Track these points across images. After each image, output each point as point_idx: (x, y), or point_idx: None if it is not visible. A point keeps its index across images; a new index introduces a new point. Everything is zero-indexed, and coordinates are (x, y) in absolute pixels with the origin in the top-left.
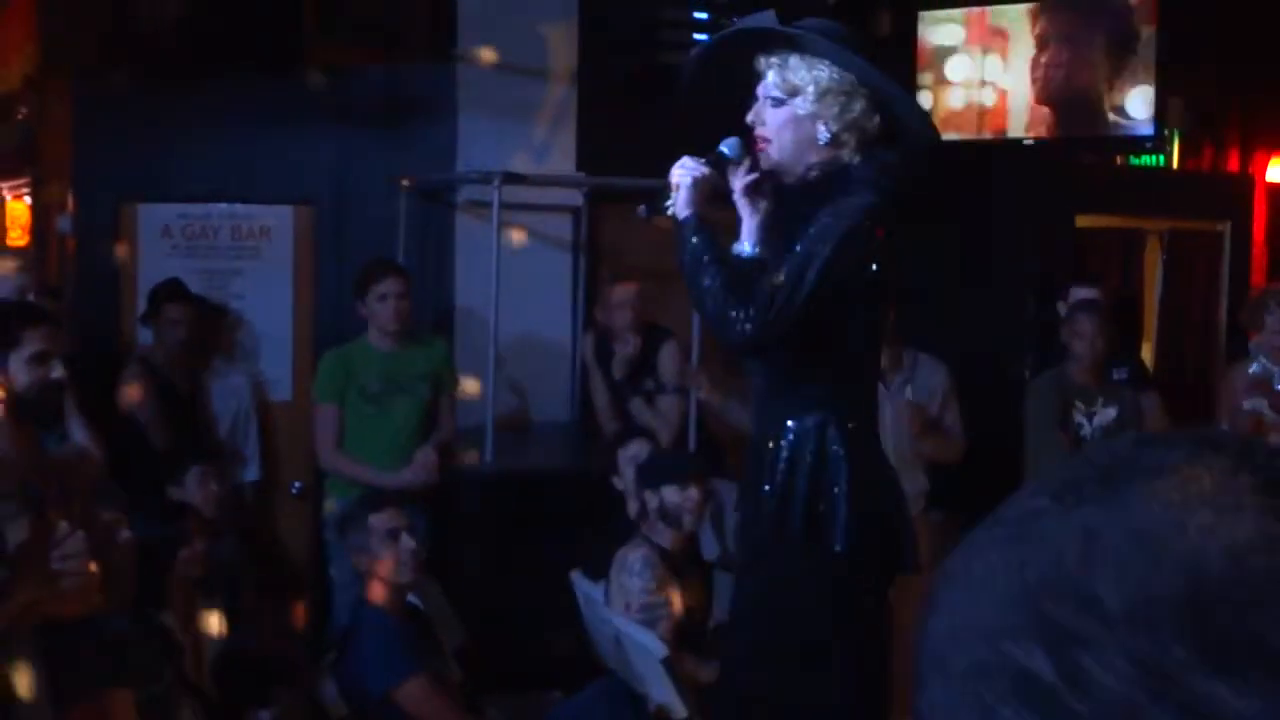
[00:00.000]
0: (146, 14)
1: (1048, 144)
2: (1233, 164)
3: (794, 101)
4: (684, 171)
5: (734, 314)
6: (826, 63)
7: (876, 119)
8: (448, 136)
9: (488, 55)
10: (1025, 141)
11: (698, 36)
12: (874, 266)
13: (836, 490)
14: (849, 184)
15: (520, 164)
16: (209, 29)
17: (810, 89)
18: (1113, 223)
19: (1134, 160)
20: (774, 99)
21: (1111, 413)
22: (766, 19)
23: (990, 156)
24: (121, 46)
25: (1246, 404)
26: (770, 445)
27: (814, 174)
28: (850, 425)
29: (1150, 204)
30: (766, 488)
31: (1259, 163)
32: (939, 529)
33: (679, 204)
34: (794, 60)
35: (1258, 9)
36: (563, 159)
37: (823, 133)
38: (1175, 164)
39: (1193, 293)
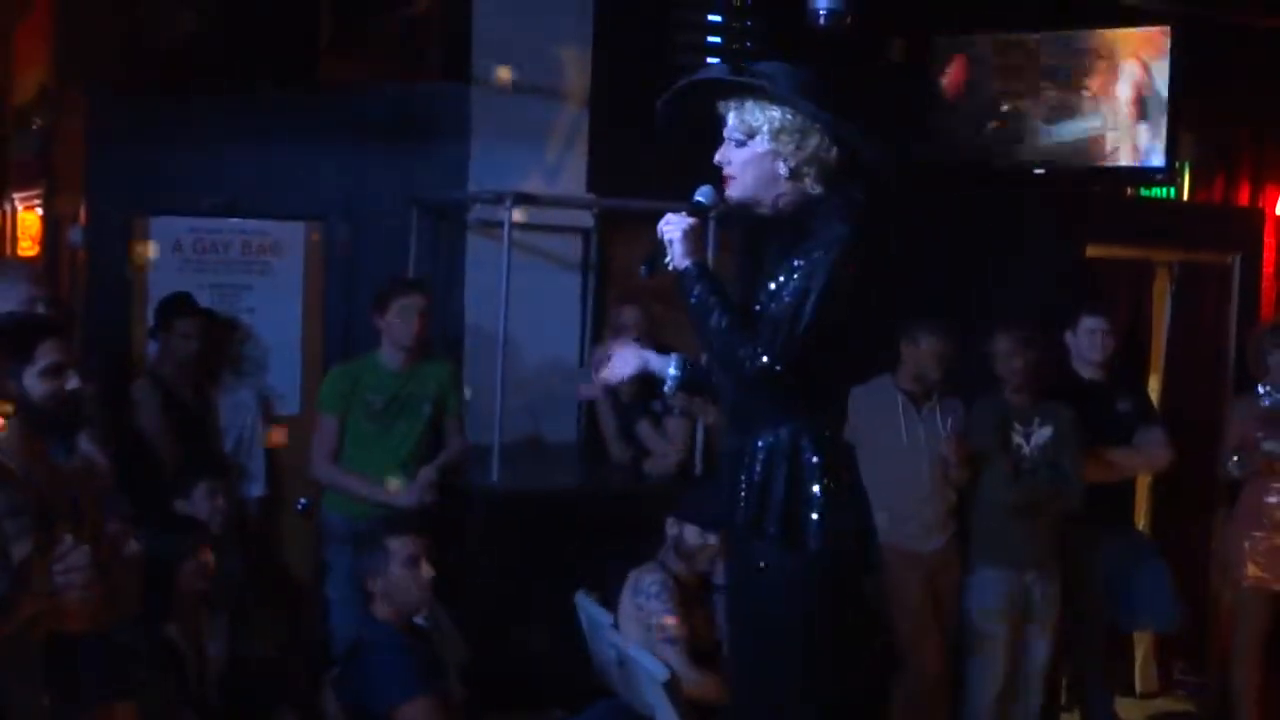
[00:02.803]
0: (162, 28)
1: (1058, 174)
2: (1243, 197)
3: (753, 142)
4: (673, 226)
5: (743, 351)
6: (777, 103)
7: (834, 151)
8: (460, 156)
9: (502, 76)
10: (1036, 171)
11: (710, 60)
12: (857, 294)
13: (812, 493)
14: (821, 216)
15: (532, 184)
16: (224, 44)
17: (765, 129)
18: (1122, 254)
19: (1144, 192)
20: (736, 140)
21: (1047, 432)
22: (717, 70)
23: (1001, 186)
24: (136, 60)
25: (1265, 445)
26: (748, 451)
27: (783, 203)
28: (824, 435)
29: (1160, 236)
30: (743, 491)
31: (1270, 196)
32: None
33: (676, 257)
34: (749, 104)
35: (1269, 42)
36: (574, 180)
37: (782, 168)
38: (1186, 196)
39: (1201, 325)
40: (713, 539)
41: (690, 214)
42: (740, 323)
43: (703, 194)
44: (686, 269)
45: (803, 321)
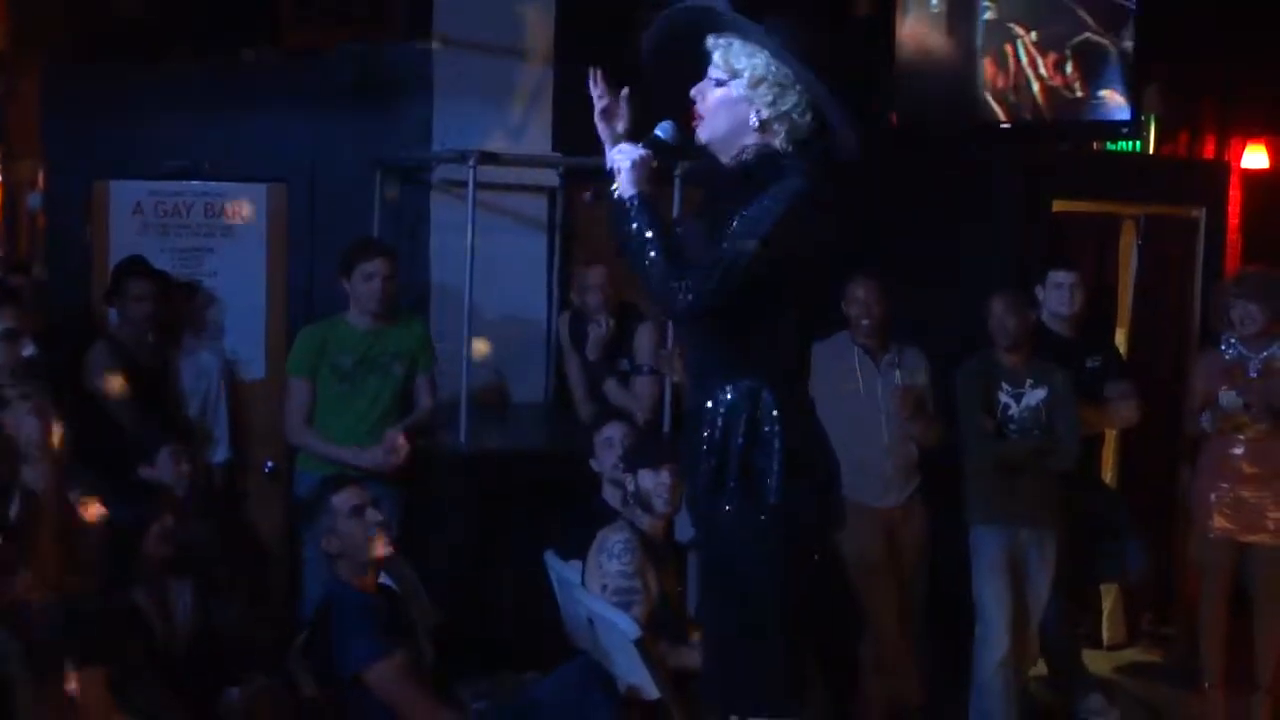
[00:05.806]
0: None
1: (1024, 128)
2: (1209, 150)
3: (732, 83)
4: (623, 154)
5: (675, 284)
6: (765, 52)
7: (809, 117)
8: (424, 115)
9: (465, 34)
10: (1002, 126)
11: None
12: (809, 248)
13: (770, 448)
14: (782, 170)
15: (496, 144)
16: (182, 6)
17: (746, 74)
18: (1088, 208)
19: (1110, 146)
20: (716, 79)
21: (1041, 393)
22: (718, 1)
23: (966, 141)
24: (93, 21)
25: (1223, 401)
26: (709, 407)
27: (747, 156)
28: (783, 390)
29: (1126, 189)
30: (705, 447)
31: (1235, 149)
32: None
33: (623, 185)
34: (737, 44)
35: None
36: (539, 139)
37: (753, 118)
38: (1151, 150)
39: (1168, 278)
40: (665, 474)
41: (647, 146)
42: (675, 257)
43: (662, 129)
44: (631, 198)
45: (737, 264)
